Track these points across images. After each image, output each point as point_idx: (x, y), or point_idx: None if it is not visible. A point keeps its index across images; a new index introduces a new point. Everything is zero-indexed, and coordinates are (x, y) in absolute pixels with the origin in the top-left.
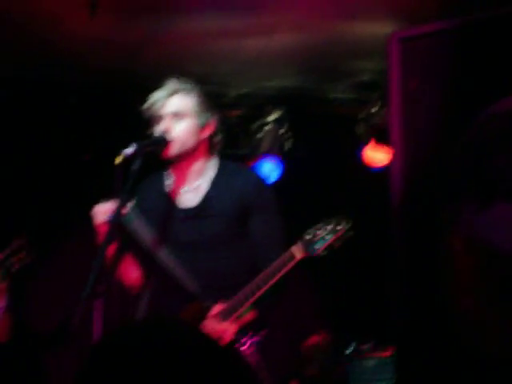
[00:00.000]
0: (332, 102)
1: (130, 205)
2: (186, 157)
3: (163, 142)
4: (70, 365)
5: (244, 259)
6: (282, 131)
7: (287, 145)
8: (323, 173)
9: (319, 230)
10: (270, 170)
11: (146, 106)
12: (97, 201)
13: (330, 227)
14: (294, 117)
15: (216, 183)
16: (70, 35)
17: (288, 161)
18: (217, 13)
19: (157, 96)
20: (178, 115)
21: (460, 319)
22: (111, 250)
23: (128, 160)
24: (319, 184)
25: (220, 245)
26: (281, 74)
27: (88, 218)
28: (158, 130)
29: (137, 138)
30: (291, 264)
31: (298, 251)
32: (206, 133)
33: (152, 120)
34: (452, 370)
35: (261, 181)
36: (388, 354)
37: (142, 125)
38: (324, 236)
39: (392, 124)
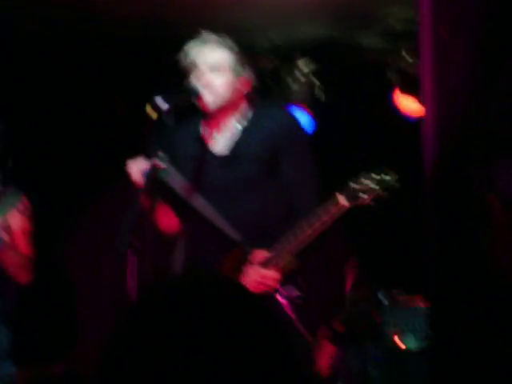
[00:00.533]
0: (363, 50)
1: (164, 159)
2: (223, 109)
3: (197, 94)
4: (104, 316)
5: (279, 201)
6: (313, 80)
7: (319, 95)
8: (357, 122)
9: (366, 179)
10: (300, 118)
11: (181, 56)
12: (132, 154)
13: (377, 178)
14: (325, 66)
15: (248, 128)
16: None
17: (321, 110)
18: None
19: (194, 48)
20: (215, 68)
21: (499, 276)
22: (146, 203)
23: (162, 114)
24: (353, 133)
25: (254, 187)
26: (312, 24)
27: (123, 173)
28: (195, 81)
29: (169, 88)
30: (337, 212)
31: (343, 199)
32: (243, 85)
33: (187, 70)
34: (488, 329)
35: (291, 122)
36: (420, 304)
37: (173, 75)
38: (372, 186)
39: (423, 78)
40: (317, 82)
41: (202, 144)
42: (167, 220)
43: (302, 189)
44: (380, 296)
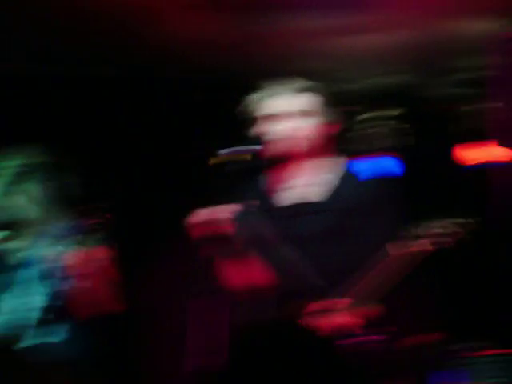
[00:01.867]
0: (438, 99)
1: (237, 207)
2: (302, 155)
3: (266, 141)
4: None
5: (357, 254)
6: (402, 126)
7: (408, 140)
8: (443, 167)
9: (446, 222)
10: (390, 165)
11: (255, 103)
12: (193, 201)
13: (457, 220)
14: (414, 112)
15: (329, 180)
16: (174, 34)
17: (409, 156)
18: (326, 10)
19: (268, 94)
20: (289, 114)
21: None
22: (212, 251)
23: (225, 161)
24: (437, 179)
25: (332, 240)
26: (399, 70)
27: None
28: (268, 128)
29: (239, 137)
30: (418, 254)
31: (423, 241)
32: (327, 131)
33: (260, 119)
34: None
35: (379, 182)
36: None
37: (244, 124)
38: (452, 228)
39: (495, 122)
40: (405, 127)
41: (272, 195)
42: (253, 273)
43: (377, 246)
44: (460, 346)
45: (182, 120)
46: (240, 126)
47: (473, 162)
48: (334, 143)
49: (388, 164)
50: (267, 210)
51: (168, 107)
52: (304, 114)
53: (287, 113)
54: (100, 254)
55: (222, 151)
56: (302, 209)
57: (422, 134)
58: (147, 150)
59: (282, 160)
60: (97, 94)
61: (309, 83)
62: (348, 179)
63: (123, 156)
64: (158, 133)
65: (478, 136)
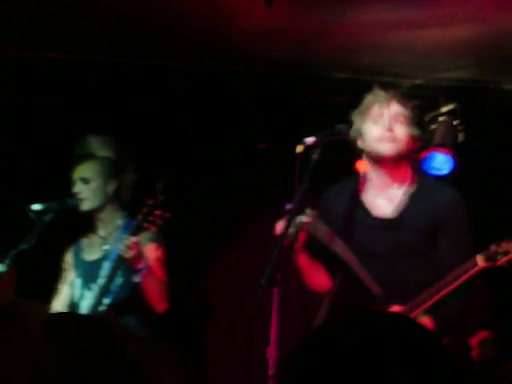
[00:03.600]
0: (507, 94)
1: (314, 214)
2: (396, 162)
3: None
4: (239, 348)
5: (432, 267)
6: (455, 123)
7: (461, 137)
8: (498, 165)
9: (506, 242)
10: (442, 162)
11: (367, 100)
12: (273, 189)
13: None
14: (468, 108)
15: (413, 196)
16: (245, 28)
17: (461, 153)
18: (393, 4)
19: (380, 95)
20: (400, 118)
21: None
22: (288, 241)
23: (309, 149)
24: (494, 176)
25: (411, 254)
26: (455, 66)
27: (262, 208)
28: (373, 127)
29: (311, 127)
30: (473, 271)
31: (481, 260)
32: (414, 146)
33: (364, 115)
34: None
35: (457, 198)
36: None
37: (316, 114)
38: (509, 248)
39: None
40: (458, 124)
41: (362, 204)
42: (318, 279)
43: (456, 262)
44: None
45: (253, 112)
46: (315, 114)
47: None
48: (415, 159)
49: (442, 160)
50: (357, 218)
51: (237, 99)
52: (407, 122)
53: (398, 116)
54: (153, 251)
55: (308, 139)
56: (395, 224)
57: (482, 129)
58: (223, 144)
59: (390, 162)
60: (163, 89)
61: (403, 91)
62: (426, 197)
63: (195, 150)
64: (239, 125)
65: None
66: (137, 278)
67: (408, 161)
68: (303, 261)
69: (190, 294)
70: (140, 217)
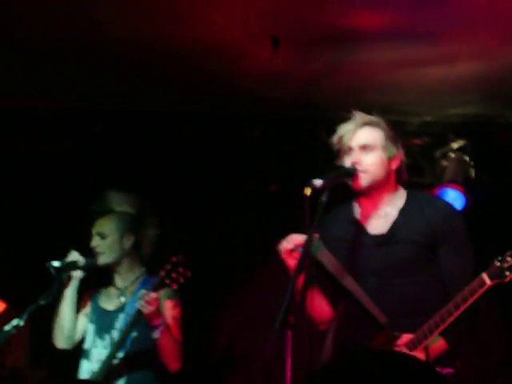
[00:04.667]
0: None
1: (316, 235)
2: (376, 188)
3: (353, 174)
4: None
5: (433, 285)
6: (465, 159)
7: (472, 173)
8: (509, 201)
9: (509, 256)
10: (454, 198)
11: (334, 138)
12: (284, 232)
13: None
14: (477, 144)
15: (405, 211)
16: (251, 71)
17: (473, 189)
18: (399, 42)
19: (345, 128)
20: (367, 147)
21: None
22: (301, 281)
23: (317, 191)
24: (505, 212)
25: (409, 271)
26: (462, 102)
27: (275, 250)
28: (347, 161)
29: (320, 169)
30: (482, 290)
31: (487, 278)
32: (394, 165)
33: (340, 152)
34: None
35: (451, 210)
36: None
37: (324, 156)
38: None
39: None
40: (468, 160)
41: (357, 226)
42: (321, 305)
43: (457, 283)
44: None
45: (265, 153)
46: (324, 156)
47: None
48: (405, 177)
49: (453, 197)
50: (352, 239)
51: (246, 142)
52: (379, 147)
53: (366, 145)
54: (171, 308)
55: (315, 181)
56: (389, 238)
57: (493, 165)
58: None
59: (364, 190)
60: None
61: (381, 118)
62: (419, 210)
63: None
64: (249, 167)
65: None
66: (155, 335)
67: (393, 178)
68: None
69: (211, 345)
70: (163, 273)
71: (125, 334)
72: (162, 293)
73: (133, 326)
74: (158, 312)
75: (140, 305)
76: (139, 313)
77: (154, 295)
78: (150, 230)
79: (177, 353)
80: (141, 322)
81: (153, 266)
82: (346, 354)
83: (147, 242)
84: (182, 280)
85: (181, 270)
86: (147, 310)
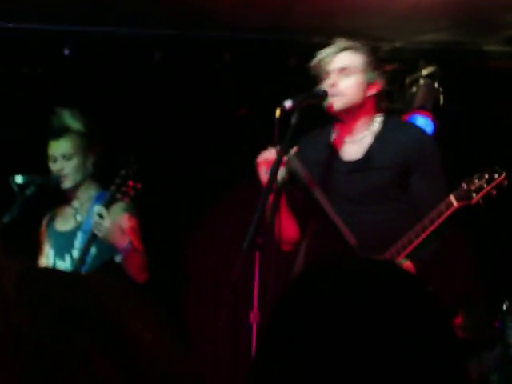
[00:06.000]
0: (486, 56)
1: (291, 152)
2: (352, 112)
3: (322, 95)
4: (226, 313)
5: (406, 213)
6: (435, 85)
7: (441, 99)
8: (478, 127)
9: (476, 179)
10: (423, 124)
11: (313, 62)
12: (255, 153)
13: (486, 176)
14: (447, 71)
15: (380, 137)
16: None
17: (442, 115)
18: None
19: (325, 52)
20: (345, 70)
21: None
22: (271, 200)
23: (287, 113)
24: (474, 138)
25: (383, 197)
26: (434, 28)
27: (245, 173)
28: (326, 84)
29: (290, 92)
30: (449, 212)
31: (454, 199)
32: (372, 90)
33: (320, 76)
34: None
35: (425, 136)
36: None
37: (296, 79)
38: (481, 184)
39: None
40: (438, 87)
41: (332, 150)
42: (289, 226)
43: (430, 207)
44: (503, 305)
45: (232, 78)
46: (295, 80)
47: None
48: (383, 103)
49: (422, 123)
50: (326, 163)
51: (216, 66)
52: (357, 71)
53: (344, 68)
54: (126, 221)
55: (285, 103)
56: (362, 164)
57: (462, 91)
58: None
59: (338, 114)
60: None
61: (363, 44)
62: (393, 137)
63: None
64: (218, 91)
65: None
66: (118, 258)
67: (371, 104)
68: (282, 205)
69: (171, 263)
70: (113, 187)
71: (83, 253)
72: (115, 208)
73: (90, 244)
74: (123, 234)
75: (94, 224)
76: (93, 230)
77: (102, 210)
78: (100, 148)
79: (142, 265)
80: (97, 238)
81: (105, 182)
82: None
83: (97, 159)
84: (132, 192)
85: (130, 182)
86: (101, 228)
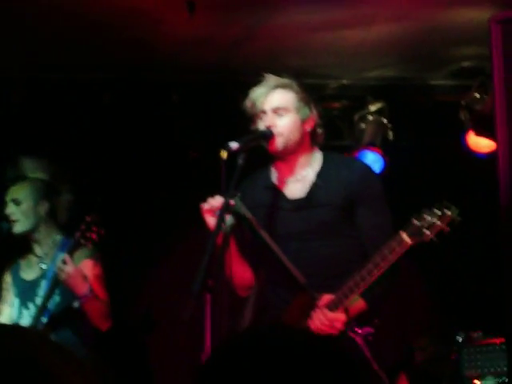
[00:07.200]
0: (433, 90)
1: (236, 196)
2: (291, 151)
3: (268, 136)
4: (178, 357)
5: (353, 248)
6: (384, 121)
7: (390, 135)
8: (427, 161)
9: (427, 215)
10: (372, 160)
11: (247, 102)
12: (205, 196)
13: (438, 212)
14: (395, 106)
15: (322, 174)
16: (169, 35)
17: (391, 151)
18: (315, 5)
19: (257, 92)
20: (280, 110)
21: None
22: (220, 243)
23: (233, 155)
24: (424, 173)
25: (328, 234)
26: (380, 64)
27: (196, 215)
28: (261, 125)
29: (239, 133)
30: (400, 250)
31: (406, 237)
32: (309, 126)
33: (254, 116)
34: None
35: (367, 170)
36: (500, 341)
37: (243, 120)
38: (433, 221)
39: (497, 111)
40: (386, 123)
41: (275, 191)
42: (242, 269)
43: (376, 242)
44: (458, 338)
45: (181, 120)
46: (243, 120)
47: (481, 150)
48: (320, 138)
49: (372, 159)
50: (270, 204)
51: (165, 108)
52: (292, 109)
53: (279, 108)
54: (91, 268)
55: (231, 144)
56: (307, 202)
57: (410, 126)
58: (147, 153)
59: (282, 155)
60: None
61: (294, 79)
62: (336, 172)
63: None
64: (167, 134)
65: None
66: (76, 304)
67: (308, 140)
68: (233, 251)
69: (133, 308)
70: (78, 234)
71: (45, 300)
72: (80, 253)
73: (52, 290)
74: (83, 281)
75: (57, 268)
76: (56, 277)
77: (66, 256)
78: (64, 196)
79: (104, 313)
80: (60, 285)
81: (70, 230)
82: (262, 322)
83: (62, 207)
84: (96, 238)
85: (94, 228)
86: (64, 273)
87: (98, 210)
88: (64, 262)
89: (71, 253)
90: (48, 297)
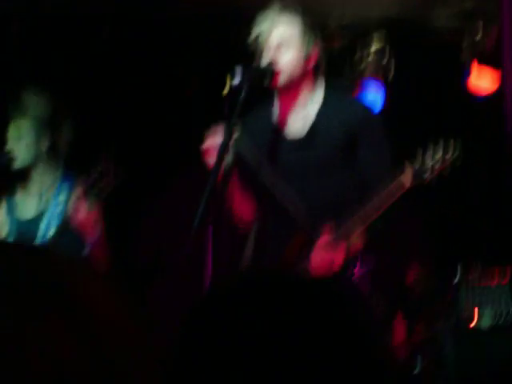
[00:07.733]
0: (435, 31)
1: (237, 130)
2: (293, 87)
3: (270, 71)
4: (178, 296)
5: (353, 187)
6: (384, 61)
7: (390, 74)
8: (427, 102)
9: (427, 157)
10: (372, 99)
11: (251, 37)
12: (205, 131)
13: (438, 155)
14: (396, 46)
15: (322, 113)
16: None
17: (391, 90)
18: None
19: (260, 26)
20: (283, 46)
21: None
22: (220, 178)
23: (235, 89)
24: (423, 113)
25: (329, 173)
26: (382, 3)
27: (196, 153)
28: (264, 61)
29: (239, 66)
30: (399, 192)
31: (407, 180)
32: (311, 62)
33: (257, 50)
34: None
35: (367, 109)
36: (497, 278)
37: (241, 52)
38: (433, 164)
39: (504, 44)
40: (387, 61)
41: (275, 129)
42: (243, 207)
43: (376, 181)
44: (455, 271)
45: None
46: (241, 52)
47: (481, 92)
48: (322, 75)
49: (372, 97)
50: (271, 141)
51: (170, 45)
52: (295, 45)
53: (281, 44)
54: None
55: (233, 80)
56: (307, 142)
57: (411, 66)
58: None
59: (283, 90)
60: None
61: (298, 10)
62: (336, 111)
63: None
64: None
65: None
66: (85, 251)
67: (311, 76)
68: (234, 186)
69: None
70: (89, 182)
71: (52, 244)
72: (89, 199)
73: (60, 234)
74: (95, 223)
75: (69, 209)
76: (65, 220)
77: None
78: (65, 131)
79: (105, 258)
80: (68, 229)
81: (69, 167)
82: (262, 260)
83: (63, 144)
84: (108, 189)
85: (107, 178)
86: (77, 213)
87: (110, 160)
88: (78, 199)
89: (80, 199)
90: (53, 242)
